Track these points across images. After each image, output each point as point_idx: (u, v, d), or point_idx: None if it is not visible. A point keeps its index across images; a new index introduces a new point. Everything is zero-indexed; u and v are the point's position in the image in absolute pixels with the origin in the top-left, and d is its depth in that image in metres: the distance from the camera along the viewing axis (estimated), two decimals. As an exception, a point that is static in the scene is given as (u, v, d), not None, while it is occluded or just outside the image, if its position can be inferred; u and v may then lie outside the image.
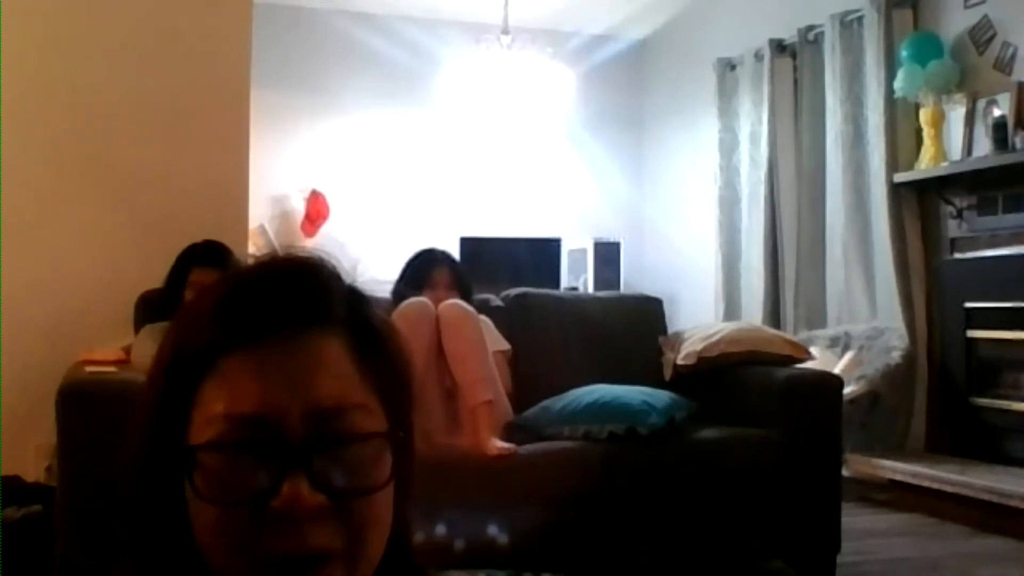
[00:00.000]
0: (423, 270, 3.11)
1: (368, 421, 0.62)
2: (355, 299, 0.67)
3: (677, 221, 6.47)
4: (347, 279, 0.69)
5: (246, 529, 0.58)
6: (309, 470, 0.58)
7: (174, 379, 0.63)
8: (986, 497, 3.60)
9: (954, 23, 4.40)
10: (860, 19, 4.80)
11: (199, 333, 0.63)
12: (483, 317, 3.05)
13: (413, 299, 2.85)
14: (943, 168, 4.30)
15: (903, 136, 4.59)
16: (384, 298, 2.95)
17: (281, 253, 0.69)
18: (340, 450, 0.60)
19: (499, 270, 5.77)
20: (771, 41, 5.37)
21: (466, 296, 3.06)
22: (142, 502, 0.65)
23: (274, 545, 0.58)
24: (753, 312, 5.39)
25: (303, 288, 0.65)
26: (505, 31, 5.47)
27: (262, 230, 5.73)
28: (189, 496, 0.60)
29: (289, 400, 0.59)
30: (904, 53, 4.41)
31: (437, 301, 2.89)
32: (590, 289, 6.02)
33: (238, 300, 0.64)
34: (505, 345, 3.14)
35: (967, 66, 4.31)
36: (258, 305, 0.63)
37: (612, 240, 6.32)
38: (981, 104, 4.21)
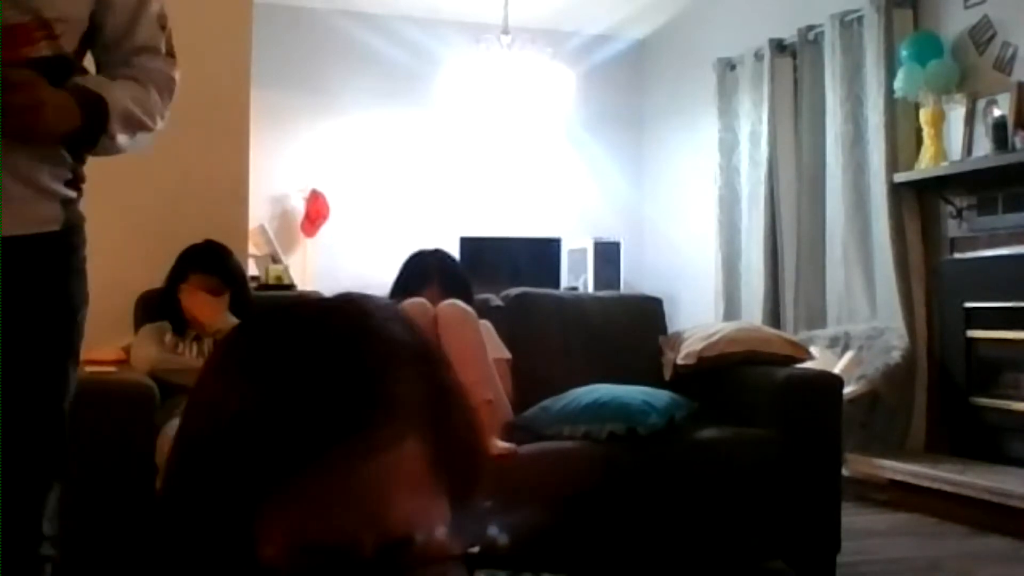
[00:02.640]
0: (415, 273, 3.11)
1: (441, 534, 0.57)
2: (432, 376, 0.60)
3: (677, 221, 6.47)
4: (416, 338, 0.61)
5: None
6: None
7: (233, 483, 0.55)
8: (986, 497, 3.60)
9: (954, 23, 4.40)
10: (860, 19, 4.80)
11: (252, 448, 0.54)
12: (485, 323, 3.05)
13: (412, 300, 2.85)
14: (943, 168, 4.29)
15: (903, 136, 4.59)
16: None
17: (341, 316, 0.60)
18: (411, 573, 0.56)
19: (499, 270, 5.78)
20: (771, 41, 5.37)
21: (465, 296, 3.06)
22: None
23: None
24: (753, 312, 5.39)
25: (378, 386, 0.56)
26: (505, 31, 5.47)
27: (262, 230, 5.73)
28: None
29: (361, 529, 0.54)
30: (904, 53, 4.41)
31: (433, 303, 2.89)
32: (590, 289, 6.02)
33: (297, 407, 0.54)
34: (506, 353, 3.12)
35: (967, 66, 4.31)
36: (327, 412, 0.54)
37: (612, 240, 6.32)
38: (981, 104, 4.21)
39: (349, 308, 0.61)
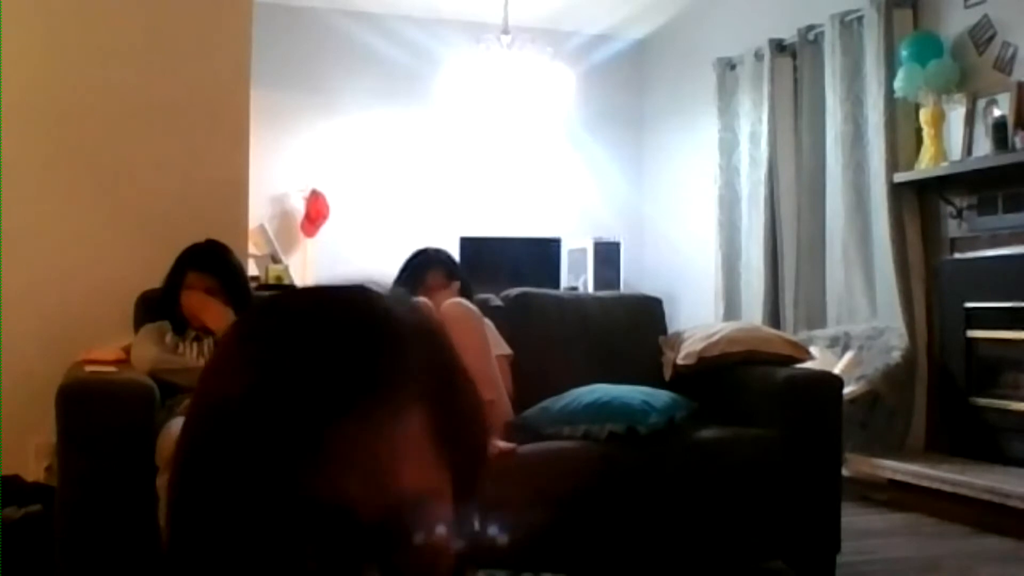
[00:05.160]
0: (418, 271, 3.11)
1: (442, 506, 0.59)
2: (436, 354, 0.61)
3: (677, 221, 6.47)
4: (422, 319, 0.62)
5: None
6: (383, 562, 0.56)
7: (241, 449, 0.56)
8: (986, 497, 3.60)
9: (954, 23, 4.40)
10: (860, 19, 4.80)
11: (266, 408, 0.56)
12: (486, 320, 3.05)
13: (414, 299, 2.85)
14: (943, 168, 4.29)
15: (903, 136, 4.59)
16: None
17: (350, 295, 0.61)
18: (414, 542, 0.57)
19: (499, 270, 5.77)
20: (771, 41, 5.37)
21: (465, 294, 3.06)
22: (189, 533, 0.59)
23: None
24: (753, 312, 5.39)
25: (382, 356, 0.58)
26: (505, 31, 5.47)
27: (262, 230, 5.74)
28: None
29: (366, 492, 0.55)
30: (904, 53, 4.41)
31: (434, 301, 2.89)
32: (590, 289, 6.02)
33: (309, 372, 0.56)
34: (507, 349, 3.14)
35: (967, 66, 4.31)
36: (331, 380, 0.56)
37: (612, 240, 6.32)
38: (981, 104, 4.21)
39: (354, 289, 0.62)
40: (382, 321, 0.60)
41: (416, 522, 0.57)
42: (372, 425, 0.56)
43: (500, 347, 3.10)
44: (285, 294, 0.64)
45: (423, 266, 3.13)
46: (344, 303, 0.61)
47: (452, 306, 2.87)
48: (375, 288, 0.63)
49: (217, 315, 2.81)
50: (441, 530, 0.58)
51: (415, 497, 0.57)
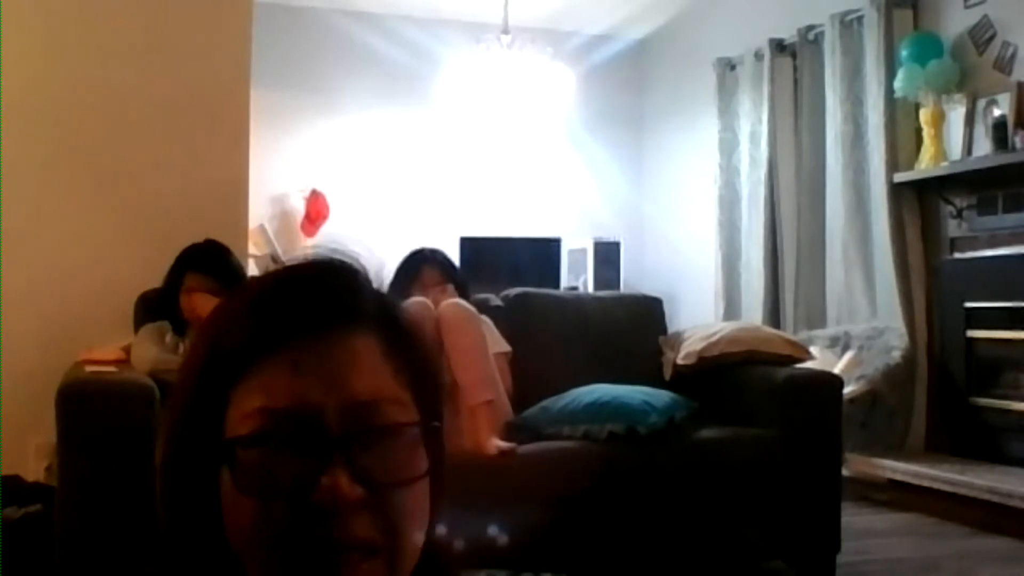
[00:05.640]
0: (412, 270, 3.11)
1: (403, 414, 0.63)
2: (385, 300, 0.69)
3: (677, 221, 6.47)
4: (376, 283, 0.70)
5: (284, 522, 0.59)
6: (348, 462, 0.59)
7: (209, 379, 0.64)
8: (986, 497, 3.60)
9: (954, 23, 4.40)
10: (860, 19, 4.80)
11: (233, 334, 0.64)
12: (484, 318, 3.06)
13: (414, 299, 2.85)
14: (943, 168, 4.29)
15: (903, 136, 4.59)
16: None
17: (312, 255, 0.70)
18: (377, 443, 0.61)
19: (499, 270, 5.78)
20: (771, 41, 5.37)
21: (461, 293, 3.07)
22: (175, 501, 0.65)
23: (314, 537, 0.58)
24: (753, 312, 5.39)
25: (335, 289, 0.66)
26: (505, 31, 5.46)
27: (262, 230, 5.73)
28: (225, 491, 0.61)
29: (326, 395, 0.60)
30: (904, 53, 4.41)
31: (430, 299, 2.89)
32: (590, 289, 6.02)
33: (272, 301, 0.65)
34: (506, 347, 3.14)
35: (967, 66, 4.31)
36: (292, 305, 0.64)
37: (612, 240, 6.32)
38: (981, 104, 4.21)
39: (333, 258, 0.70)
40: (341, 274, 0.68)
41: (375, 422, 0.61)
42: (330, 344, 0.63)
43: (499, 344, 3.10)
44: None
45: (417, 264, 3.13)
46: (305, 261, 0.69)
47: (450, 306, 2.86)
48: (338, 251, 0.71)
49: None
50: (406, 433, 0.63)
51: (371, 399, 0.62)
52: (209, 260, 2.89)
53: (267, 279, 0.68)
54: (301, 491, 0.58)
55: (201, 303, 2.82)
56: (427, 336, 0.71)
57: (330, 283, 0.67)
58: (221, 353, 0.64)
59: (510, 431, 2.84)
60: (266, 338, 0.62)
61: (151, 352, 2.73)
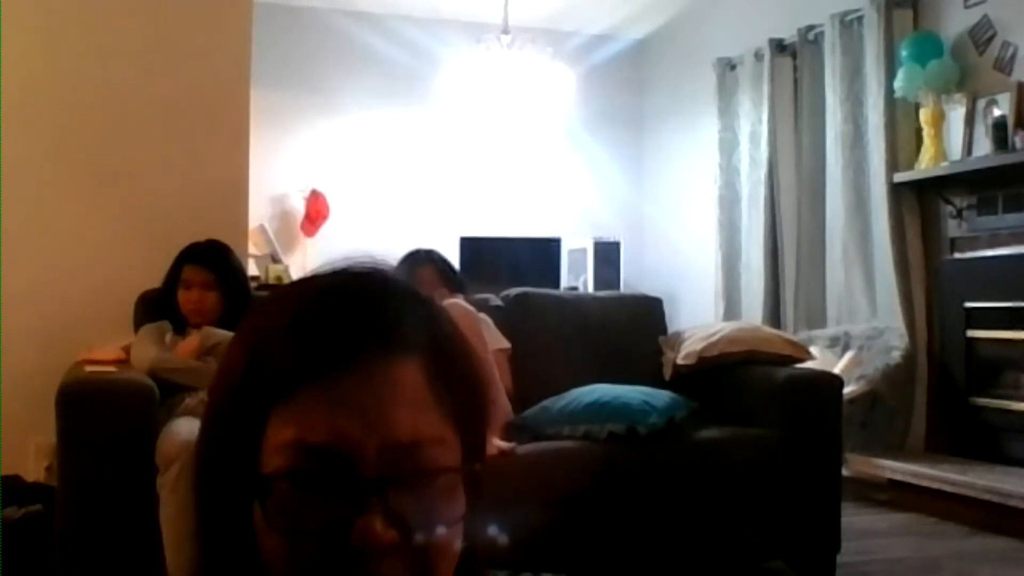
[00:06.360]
0: (407, 272, 3.11)
1: (443, 454, 0.60)
2: (433, 320, 0.65)
3: (677, 221, 6.47)
4: (423, 296, 0.66)
5: (316, 562, 0.57)
6: (384, 506, 0.57)
7: (245, 403, 0.61)
8: (986, 497, 3.60)
9: (954, 23, 4.40)
10: (860, 19, 4.80)
11: (271, 358, 0.60)
12: (483, 315, 3.06)
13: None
14: (943, 168, 4.29)
15: (903, 136, 4.59)
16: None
17: (352, 264, 0.66)
18: (415, 486, 0.59)
19: (499, 270, 5.77)
20: (771, 41, 5.37)
21: (458, 295, 3.07)
22: (211, 524, 0.63)
23: None
24: (753, 312, 5.39)
25: (380, 312, 0.62)
26: (505, 31, 5.47)
27: (262, 230, 5.74)
28: (258, 522, 0.59)
29: (364, 433, 0.58)
30: (904, 53, 4.41)
31: (432, 288, 2.90)
32: (590, 289, 6.02)
33: (312, 324, 0.61)
34: (505, 344, 3.14)
35: (967, 66, 4.31)
36: (333, 331, 0.60)
37: (612, 240, 6.32)
38: (981, 104, 4.21)
39: (359, 266, 0.67)
40: (382, 289, 0.64)
41: (415, 465, 0.59)
42: (373, 373, 0.59)
43: (499, 342, 3.10)
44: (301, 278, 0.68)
45: (413, 265, 3.13)
46: (352, 273, 0.65)
47: (449, 307, 2.84)
48: (379, 264, 0.67)
49: (208, 311, 2.81)
50: (445, 476, 0.60)
51: (412, 440, 0.59)
52: (207, 254, 2.88)
53: (310, 292, 0.64)
54: (334, 532, 0.57)
55: (198, 296, 2.82)
56: (477, 357, 0.67)
57: (376, 304, 0.62)
58: (259, 377, 0.60)
59: (510, 431, 2.84)
60: (307, 365, 0.59)
61: (151, 352, 2.72)
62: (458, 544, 0.62)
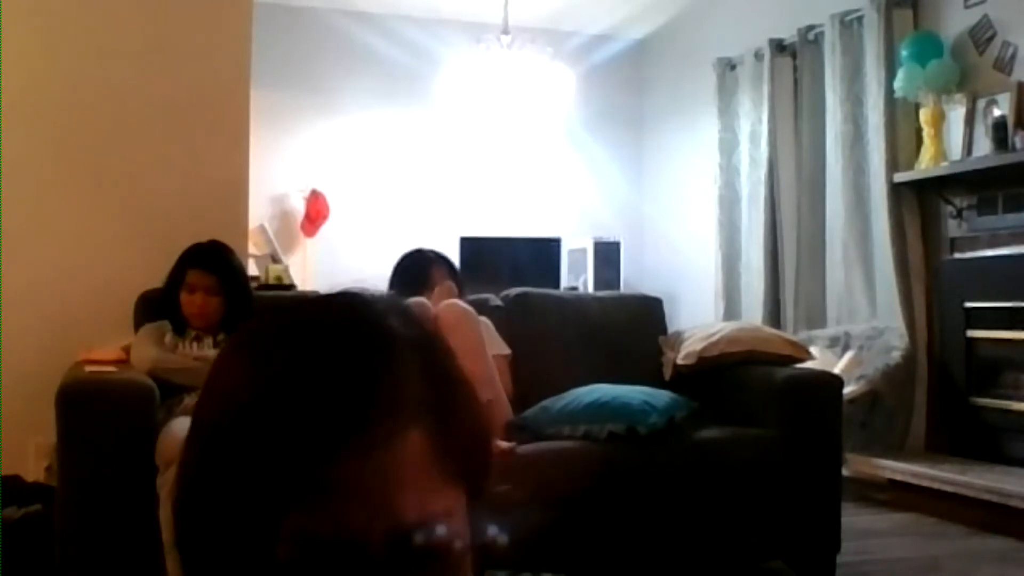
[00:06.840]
0: (422, 271, 3.11)
1: (452, 524, 0.58)
2: (429, 365, 0.59)
3: (677, 221, 6.47)
4: (415, 329, 0.60)
5: None
6: None
7: (247, 496, 0.55)
8: (986, 497, 3.60)
9: (954, 23, 4.40)
10: (860, 19, 4.80)
11: (264, 450, 0.55)
12: (484, 320, 3.06)
13: (411, 300, 2.85)
14: (943, 168, 4.29)
15: (903, 136, 4.59)
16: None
17: (341, 310, 0.60)
18: (424, 567, 0.56)
19: (499, 270, 5.78)
20: (771, 41, 5.37)
21: (460, 292, 3.08)
22: None
23: None
24: (753, 312, 5.39)
25: (378, 378, 0.56)
26: (505, 31, 5.47)
27: (262, 230, 5.73)
28: None
29: (370, 521, 0.54)
30: (904, 53, 4.41)
31: (439, 300, 2.90)
32: (590, 289, 6.02)
33: (306, 402, 0.55)
34: (506, 349, 3.14)
35: (967, 66, 4.31)
36: (330, 412, 0.55)
37: (612, 240, 6.32)
38: (981, 104, 4.21)
39: (345, 305, 0.61)
40: (374, 340, 0.58)
41: (426, 547, 0.56)
42: (370, 457, 0.55)
43: (499, 347, 3.10)
44: (281, 310, 0.61)
45: (427, 265, 3.14)
46: (336, 324, 0.59)
47: (448, 307, 2.87)
48: (368, 295, 0.62)
49: (212, 314, 2.82)
50: (456, 547, 0.57)
51: (422, 523, 0.56)
52: (211, 258, 2.89)
53: (294, 353, 0.57)
54: None
55: (202, 300, 2.83)
56: (474, 391, 0.62)
57: (374, 371, 0.57)
58: (249, 466, 0.55)
59: (510, 431, 2.84)
60: (304, 459, 0.54)
61: (151, 352, 2.72)
62: None
